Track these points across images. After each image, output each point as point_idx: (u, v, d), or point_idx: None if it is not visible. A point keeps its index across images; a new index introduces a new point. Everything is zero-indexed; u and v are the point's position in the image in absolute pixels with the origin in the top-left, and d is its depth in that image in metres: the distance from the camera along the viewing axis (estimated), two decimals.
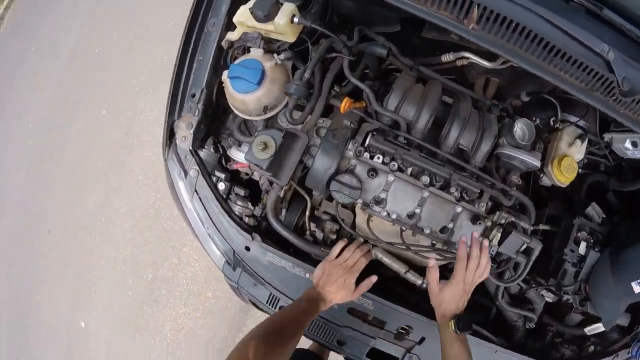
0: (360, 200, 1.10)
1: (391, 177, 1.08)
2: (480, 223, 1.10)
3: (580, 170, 1.31)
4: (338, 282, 1.07)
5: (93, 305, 2.37)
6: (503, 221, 1.14)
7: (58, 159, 2.65)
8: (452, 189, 1.12)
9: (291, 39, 1.09)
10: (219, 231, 1.21)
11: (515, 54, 0.96)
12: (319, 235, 1.20)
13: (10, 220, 2.77)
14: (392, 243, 1.15)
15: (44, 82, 3.06)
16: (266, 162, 1.04)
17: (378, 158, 1.10)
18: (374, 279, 1.12)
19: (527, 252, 1.17)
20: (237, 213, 1.22)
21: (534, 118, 1.26)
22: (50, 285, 2.56)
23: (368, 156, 1.09)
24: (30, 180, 2.76)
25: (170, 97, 1.21)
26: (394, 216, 1.11)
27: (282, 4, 1.09)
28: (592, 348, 1.32)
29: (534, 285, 1.25)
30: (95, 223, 2.43)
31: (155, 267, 2.24)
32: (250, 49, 1.15)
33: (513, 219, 1.14)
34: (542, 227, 1.22)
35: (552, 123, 1.24)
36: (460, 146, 1.13)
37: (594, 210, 1.30)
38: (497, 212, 1.13)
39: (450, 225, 1.12)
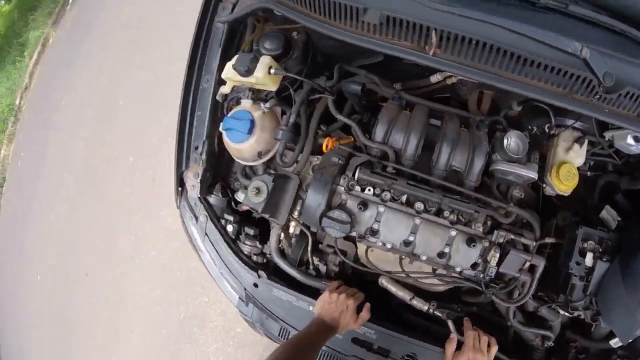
0: (354, 233, 1.24)
1: (382, 208, 1.21)
2: (474, 245, 1.19)
3: (589, 173, 1.37)
4: (340, 309, 1.21)
5: (129, 345, 2.66)
6: (502, 240, 1.22)
7: (92, 206, 3.04)
8: (446, 213, 1.22)
9: (273, 87, 1.28)
10: (230, 270, 1.39)
11: (483, 73, 1.01)
12: (322, 268, 1.34)
13: (51, 264, 3.17)
14: (390, 272, 1.26)
15: (77, 133, 3.51)
16: (260, 205, 1.22)
17: (369, 190, 1.23)
18: (368, 305, 1.26)
19: (532, 269, 1.24)
20: (246, 252, 1.40)
21: (530, 127, 1.32)
22: (88, 327, 2.90)
23: (359, 189, 1.23)
24: (68, 228, 3.17)
25: (176, 151, 1.43)
26: (389, 245, 1.23)
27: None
28: None
29: (545, 303, 1.30)
30: (129, 265, 2.75)
31: (187, 306, 2.49)
32: (241, 100, 1.34)
33: (513, 236, 1.22)
34: (548, 240, 1.27)
35: (547, 130, 1.29)
36: (454, 167, 1.23)
37: (608, 214, 1.33)
38: (495, 232, 1.22)
39: (447, 250, 1.22)
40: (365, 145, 1.26)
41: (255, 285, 1.35)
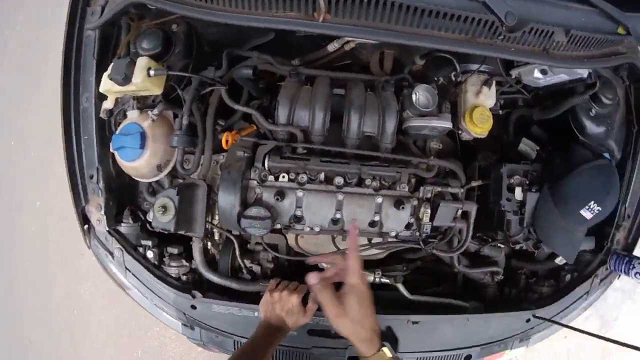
0: (278, 225, 1.16)
1: (300, 193, 1.14)
2: (403, 207, 1.15)
3: (501, 111, 1.37)
4: (285, 307, 1.13)
5: None
6: (429, 195, 1.19)
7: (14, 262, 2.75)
8: (368, 181, 1.17)
9: (158, 91, 1.15)
10: (163, 299, 1.27)
11: (379, 32, 0.95)
12: (257, 269, 1.26)
13: None
14: (325, 254, 1.20)
15: None
16: (171, 224, 1.11)
17: (283, 177, 1.15)
18: (314, 295, 1.16)
19: (465, 215, 1.22)
20: (174, 275, 1.28)
21: (436, 78, 1.30)
22: None
23: (273, 179, 1.15)
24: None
25: (70, 186, 1.26)
26: (317, 229, 1.17)
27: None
28: (568, 277, 1.38)
29: (486, 242, 1.31)
30: (69, 318, 2.52)
31: (141, 341, 2.33)
32: (127, 112, 1.20)
33: (439, 188, 1.20)
34: (474, 183, 1.26)
35: (453, 78, 1.27)
36: (366, 133, 1.17)
37: (526, 146, 1.35)
38: (421, 188, 1.18)
39: (377, 218, 1.18)
40: (270, 131, 1.18)
41: (193, 307, 1.24)
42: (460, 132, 1.28)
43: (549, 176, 1.22)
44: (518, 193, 1.22)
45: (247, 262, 1.26)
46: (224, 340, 1.29)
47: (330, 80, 1.21)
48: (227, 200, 1.09)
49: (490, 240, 1.32)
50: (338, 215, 1.16)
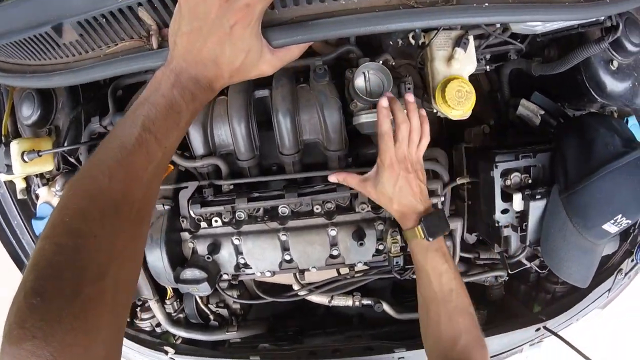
0: (226, 276, 0.99)
1: (237, 241, 0.94)
2: (362, 244, 0.91)
3: (488, 67, 0.97)
4: (217, 27, 0.53)
5: None
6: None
7: None
8: (317, 208, 0.94)
9: (49, 167, 1.02)
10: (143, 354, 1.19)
11: None
12: (224, 312, 1.13)
13: None
14: (291, 295, 1.04)
15: None
16: None
17: (217, 221, 0.95)
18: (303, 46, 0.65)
19: (450, 234, 0.96)
20: (147, 329, 1.17)
21: (391, 42, 0.94)
22: None
23: (207, 225, 0.96)
24: None
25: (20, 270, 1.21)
26: (268, 274, 0.98)
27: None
28: None
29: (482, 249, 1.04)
30: None
31: None
32: (37, 192, 1.09)
33: None
34: (459, 181, 0.96)
35: (413, 40, 0.91)
36: (307, 141, 0.90)
37: (527, 110, 0.99)
38: None
39: (336, 252, 0.95)
40: (195, 168, 0.96)
41: (172, 358, 1.16)
42: (435, 111, 0.95)
43: (560, 173, 0.85)
44: (517, 202, 0.87)
45: (213, 307, 1.13)
46: None
47: (249, 82, 0.91)
48: (157, 266, 0.93)
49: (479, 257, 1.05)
50: (287, 257, 0.95)
